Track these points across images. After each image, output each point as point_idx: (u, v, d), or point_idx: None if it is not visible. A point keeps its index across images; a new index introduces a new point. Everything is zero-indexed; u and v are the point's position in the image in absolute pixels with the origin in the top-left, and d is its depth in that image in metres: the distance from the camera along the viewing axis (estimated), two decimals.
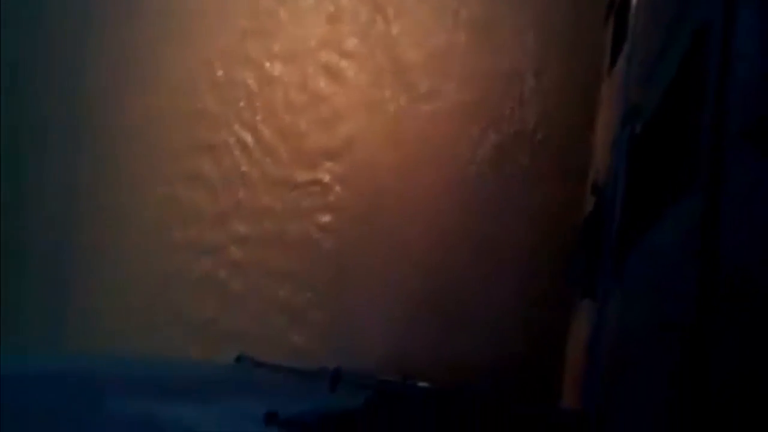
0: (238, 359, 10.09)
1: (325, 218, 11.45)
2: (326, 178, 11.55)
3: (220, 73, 12.47)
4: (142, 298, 11.96)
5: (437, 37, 11.69)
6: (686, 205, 3.73)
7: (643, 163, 5.78)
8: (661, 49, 5.37)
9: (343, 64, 11.83)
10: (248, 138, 12.06)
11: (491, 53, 11.48)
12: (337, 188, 11.47)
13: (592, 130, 10.09)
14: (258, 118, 12.06)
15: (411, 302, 10.42)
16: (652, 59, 5.79)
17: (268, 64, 12.20)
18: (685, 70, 4.46)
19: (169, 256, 12.13)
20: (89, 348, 11.14)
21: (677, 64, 4.66)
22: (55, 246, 12.36)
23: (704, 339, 2.79)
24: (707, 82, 3.71)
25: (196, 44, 12.77)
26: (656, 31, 5.81)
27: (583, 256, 8.39)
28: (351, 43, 11.88)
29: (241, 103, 12.25)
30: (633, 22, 7.55)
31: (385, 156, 11.51)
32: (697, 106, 3.85)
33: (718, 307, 2.73)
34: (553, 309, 9.23)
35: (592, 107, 10.25)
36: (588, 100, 10.45)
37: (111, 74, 12.91)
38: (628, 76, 7.10)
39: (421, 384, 8.66)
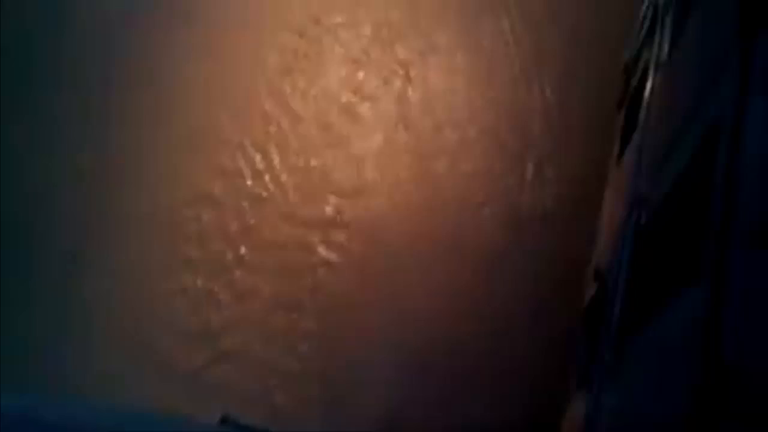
0: (223, 420, 9.76)
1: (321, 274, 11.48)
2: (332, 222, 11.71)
3: (240, 101, 12.77)
4: (130, 346, 11.78)
5: (450, 111, 12.08)
6: (689, 297, 3.70)
7: (647, 253, 5.79)
8: (672, 142, 5.48)
9: (362, 109, 12.19)
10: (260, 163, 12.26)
11: (504, 132, 11.82)
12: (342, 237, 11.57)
13: (598, 216, 10.20)
14: (273, 147, 12.26)
15: (408, 364, 10.24)
16: (662, 152, 5.90)
17: (289, 99, 12.51)
18: (694, 165, 4.54)
19: (162, 304, 12.04)
20: (74, 392, 10.88)
21: (687, 158, 4.75)
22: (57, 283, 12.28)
23: None
24: (716, 179, 3.77)
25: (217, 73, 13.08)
26: (668, 124, 5.96)
27: (583, 344, 8.30)
28: (370, 91, 12.26)
29: (258, 131, 12.44)
30: (645, 113, 7.75)
31: (396, 206, 11.67)
32: (705, 202, 3.89)
33: (719, 402, 2.68)
34: (551, 388, 9.07)
35: (598, 194, 10.42)
36: (594, 186, 10.64)
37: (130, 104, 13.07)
38: (638, 166, 7.22)
39: None
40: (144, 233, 12.32)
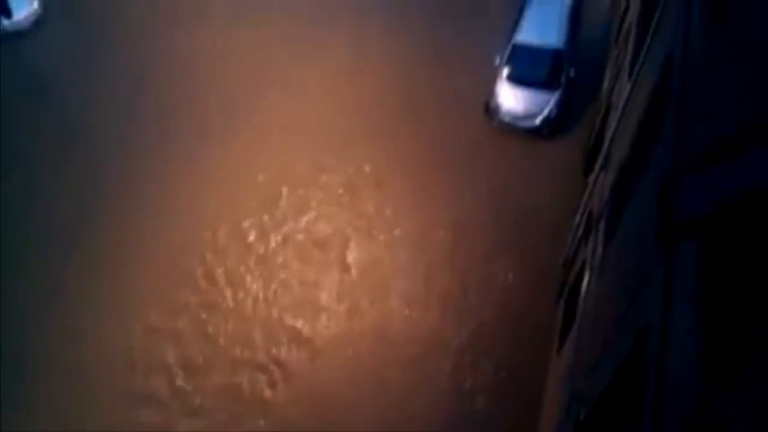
0: None
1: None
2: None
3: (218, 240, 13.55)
4: None
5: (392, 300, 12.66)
6: None
7: None
8: (605, 343, 5.80)
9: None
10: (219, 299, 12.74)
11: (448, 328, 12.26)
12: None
13: (540, 405, 10.23)
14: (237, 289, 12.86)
15: None
16: (597, 352, 6.20)
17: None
18: (627, 365, 4.80)
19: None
20: None
21: (620, 359, 5.02)
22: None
23: None
24: (648, 378, 4.00)
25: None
26: (601, 324, 6.33)
27: None
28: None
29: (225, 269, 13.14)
30: (581, 309, 8.20)
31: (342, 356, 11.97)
32: (638, 399, 4.08)
33: None
34: None
35: (540, 383, 10.57)
36: (535, 375, 10.81)
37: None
38: (576, 360, 7.46)
39: None
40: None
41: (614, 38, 15.26)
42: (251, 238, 13.62)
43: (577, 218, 11.09)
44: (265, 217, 13.98)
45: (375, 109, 16.04)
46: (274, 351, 12.03)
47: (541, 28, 15.50)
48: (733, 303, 3.58)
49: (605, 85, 14.17)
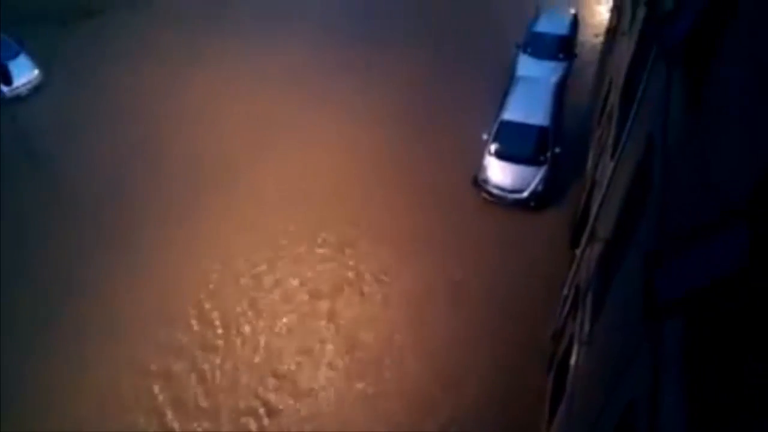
0: None
1: None
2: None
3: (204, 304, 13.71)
4: None
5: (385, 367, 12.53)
6: None
7: None
8: (595, 416, 5.81)
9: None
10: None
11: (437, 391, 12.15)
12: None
13: None
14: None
15: None
16: (586, 424, 6.19)
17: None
18: None
19: None
20: None
21: None
22: None
23: None
24: None
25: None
26: (591, 399, 6.35)
27: None
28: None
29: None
30: (571, 382, 8.20)
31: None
32: None
33: None
34: None
35: None
36: None
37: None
38: None
39: None
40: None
41: (597, 118, 15.91)
42: (244, 281, 13.80)
43: (565, 291, 11.22)
44: (259, 268, 14.19)
45: (368, 178, 16.41)
46: (261, 393, 12.02)
47: (526, 107, 16.17)
48: (718, 377, 3.68)
49: (590, 162, 14.66)
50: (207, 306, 13.49)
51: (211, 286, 13.86)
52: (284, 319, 13.30)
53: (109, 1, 23.03)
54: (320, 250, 14.70)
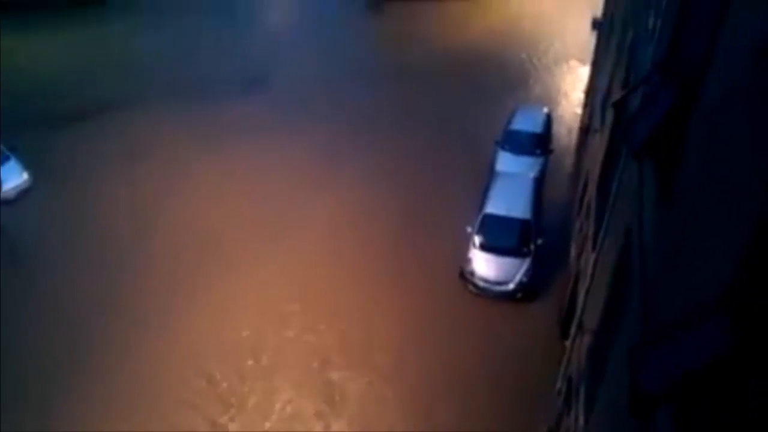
0: None
1: None
2: None
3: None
4: None
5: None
6: None
7: None
8: None
9: None
10: None
11: None
12: None
13: None
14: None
15: None
16: None
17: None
18: None
19: None
20: None
21: None
22: None
23: None
24: None
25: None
26: None
27: None
28: None
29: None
30: None
31: None
32: None
33: None
34: None
35: None
36: None
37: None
38: None
39: None
40: None
41: (576, 211, 16.36)
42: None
43: (558, 384, 11.08)
44: (249, 362, 14.19)
45: (353, 271, 16.48)
46: None
47: (508, 201, 16.63)
48: None
49: (572, 253, 14.92)
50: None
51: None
52: (267, 424, 13.05)
53: (102, 104, 23.75)
54: (307, 338, 14.58)
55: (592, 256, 9.57)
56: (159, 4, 32.99)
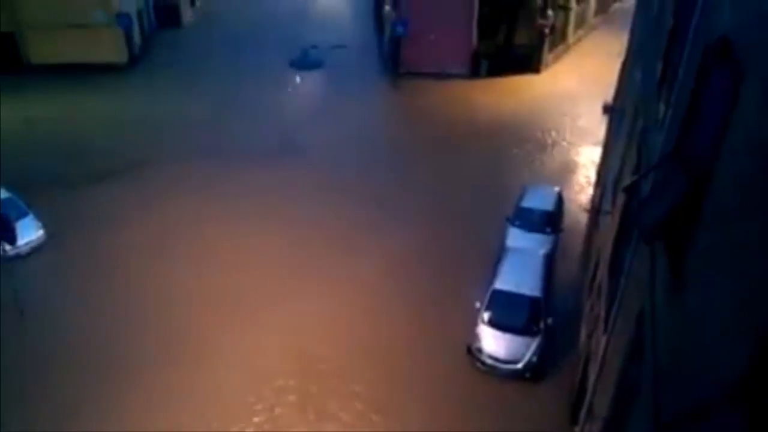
0: None
1: None
2: None
3: None
4: None
5: None
6: None
7: None
8: None
9: None
10: None
11: None
12: None
13: None
14: None
15: None
16: None
17: None
18: None
19: None
20: None
21: None
22: None
23: None
24: None
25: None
26: None
27: None
28: None
29: None
30: None
31: None
32: None
33: None
34: None
35: None
36: None
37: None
38: None
39: None
40: None
41: (587, 290, 16.23)
42: None
43: None
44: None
45: (361, 346, 16.26)
46: None
47: (518, 278, 16.55)
48: None
49: (583, 334, 14.70)
50: None
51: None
52: None
53: (120, 166, 24.38)
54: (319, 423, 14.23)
55: (603, 339, 9.45)
56: (190, 70, 34.60)
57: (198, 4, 45.73)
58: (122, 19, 33.24)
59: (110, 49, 33.44)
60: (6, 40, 32.47)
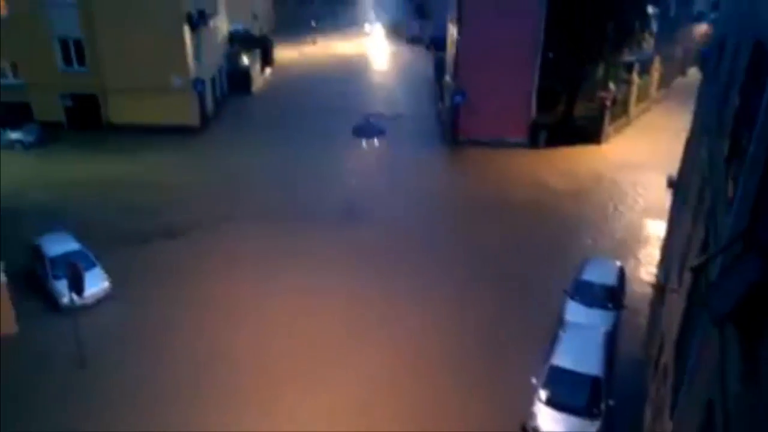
0: None
1: None
2: None
3: None
4: None
5: None
6: None
7: None
8: None
9: None
10: None
11: None
12: None
13: None
14: None
15: None
16: None
17: None
18: None
19: None
20: None
21: None
22: None
23: None
24: None
25: None
26: None
27: None
28: None
29: None
30: None
31: None
32: None
33: None
34: None
35: None
36: None
37: None
38: None
39: None
40: None
41: (651, 372, 15.40)
42: None
43: None
44: None
45: (411, 419, 15.77)
46: None
47: (577, 355, 15.85)
48: None
49: (647, 418, 13.86)
50: None
51: None
52: None
53: (189, 224, 25.32)
54: None
55: (669, 427, 8.89)
56: (258, 134, 36.22)
57: (267, 72, 48.23)
58: (197, 84, 35.41)
59: (185, 112, 35.50)
60: (89, 102, 35.25)
